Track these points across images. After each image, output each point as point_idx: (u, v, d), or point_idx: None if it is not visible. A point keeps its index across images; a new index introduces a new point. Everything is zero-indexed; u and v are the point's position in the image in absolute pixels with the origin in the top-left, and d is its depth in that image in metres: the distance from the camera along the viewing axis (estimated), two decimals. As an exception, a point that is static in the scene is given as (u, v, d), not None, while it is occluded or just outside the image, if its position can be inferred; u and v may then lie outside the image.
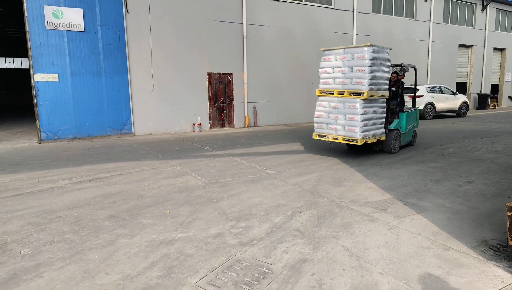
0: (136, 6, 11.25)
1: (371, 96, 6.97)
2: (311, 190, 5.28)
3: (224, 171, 6.49)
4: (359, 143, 6.93)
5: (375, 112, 7.22)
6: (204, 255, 3.23)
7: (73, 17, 10.28)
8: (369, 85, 6.83)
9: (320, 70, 7.60)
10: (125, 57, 11.19)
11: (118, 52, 11.09)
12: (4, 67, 36.39)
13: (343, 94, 7.10)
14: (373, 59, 6.84)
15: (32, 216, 4.22)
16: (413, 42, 18.90)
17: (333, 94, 7.29)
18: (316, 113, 7.64)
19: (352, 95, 6.97)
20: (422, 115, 15.54)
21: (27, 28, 9.81)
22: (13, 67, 36.60)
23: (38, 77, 10.03)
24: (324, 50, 7.63)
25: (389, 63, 7.37)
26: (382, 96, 7.33)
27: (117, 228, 3.85)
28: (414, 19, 18.95)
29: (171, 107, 12.14)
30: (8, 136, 11.73)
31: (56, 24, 10.10)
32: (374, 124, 7.27)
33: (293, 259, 3.15)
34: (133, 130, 11.56)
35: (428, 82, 19.59)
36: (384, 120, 7.55)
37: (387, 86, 7.43)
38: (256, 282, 2.78)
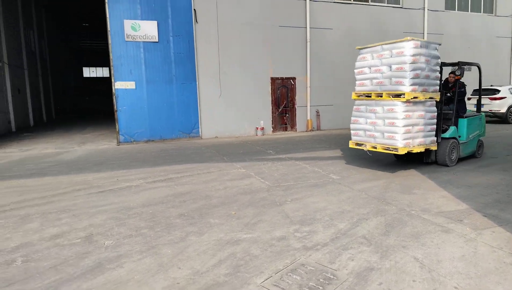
0: (205, 16, 11.85)
1: (415, 98, 6.07)
2: (378, 197, 5.08)
3: (287, 175, 6.53)
4: (400, 152, 6.02)
5: (421, 116, 6.26)
6: (268, 257, 3.29)
7: (149, 29, 11.16)
8: (411, 85, 5.97)
9: (355, 70, 6.88)
10: (193, 65, 11.84)
11: (188, 60, 11.77)
12: (88, 76, 40.61)
13: (382, 97, 6.26)
14: (416, 55, 5.95)
15: (113, 211, 4.67)
16: (493, 39, 17.20)
17: (370, 97, 6.50)
18: (352, 118, 6.90)
19: (392, 97, 6.10)
20: (505, 119, 14.07)
21: (109, 41, 10.88)
22: (95, 76, 40.68)
23: (118, 85, 11.06)
24: (360, 49, 6.90)
25: (438, 61, 6.45)
26: (430, 98, 6.39)
27: (187, 226, 4.09)
28: (494, 14, 17.25)
29: (235, 112, 12.54)
30: (92, 138, 13.08)
31: (134, 36, 11.05)
32: (421, 130, 6.29)
33: (359, 267, 3.07)
34: (200, 134, 12.16)
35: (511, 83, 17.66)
36: (434, 126, 6.57)
37: (437, 87, 6.50)
38: (320, 287, 2.77)
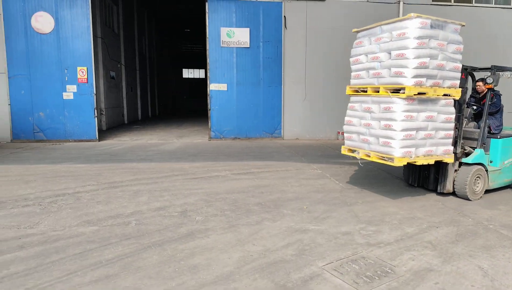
0: (294, 21, 12.40)
1: (422, 94, 4.71)
2: (455, 208, 4.99)
3: (362, 179, 6.68)
4: (396, 163, 4.75)
5: (430, 118, 4.85)
6: (332, 247, 3.65)
7: (242, 36, 12.14)
8: (414, 77, 4.62)
9: (351, 59, 5.62)
10: (280, 69, 12.50)
11: (275, 64, 12.48)
12: (187, 76, 44.55)
13: (379, 92, 4.99)
14: (423, 38, 4.60)
15: (203, 194, 5.48)
16: None
17: (366, 92, 5.25)
18: (346, 118, 5.66)
19: (389, 93, 4.81)
20: None
21: (207, 46, 12.15)
22: (193, 77, 44.46)
23: (212, 86, 12.28)
24: (356, 32, 5.64)
25: (460, 46, 4.96)
26: (446, 95, 4.93)
27: (263, 213, 4.66)
28: None
29: (317, 115, 12.84)
30: (188, 133, 14.68)
31: (228, 42, 12.15)
32: (429, 136, 4.89)
33: (418, 267, 3.24)
34: (282, 134, 12.77)
35: None
36: (451, 132, 5.08)
37: (456, 81, 5.01)
38: (376, 278, 3.05)
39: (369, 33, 5.34)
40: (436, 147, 5.01)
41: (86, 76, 11.29)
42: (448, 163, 5.31)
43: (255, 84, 12.49)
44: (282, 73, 12.54)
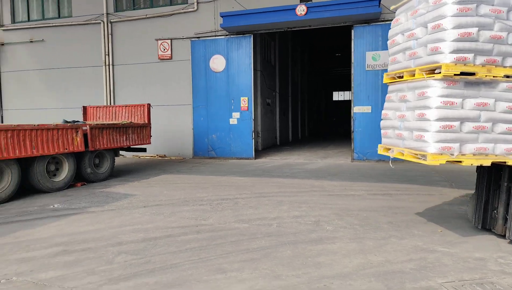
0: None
1: (469, 74, 3.84)
2: None
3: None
4: (429, 161, 3.90)
5: (484, 106, 3.89)
6: (458, 268, 3.65)
7: (388, 58, 12.14)
8: (454, 52, 3.80)
9: (388, 42, 5.02)
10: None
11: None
12: (336, 99, 45.33)
13: (414, 76, 4.23)
14: (466, 2, 3.76)
15: (337, 209, 6.01)
16: None
17: (402, 78, 4.50)
18: (382, 112, 5.08)
19: (425, 75, 4.02)
20: None
21: (352, 71, 12.66)
22: (342, 99, 44.90)
23: (356, 109, 12.64)
24: (395, 9, 4.90)
25: None
26: (507, 76, 3.90)
27: (391, 231, 4.87)
28: None
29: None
30: (332, 154, 15.30)
31: (373, 65, 12.36)
32: (482, 130, 3.90)
33: (560, 302, 2.98)
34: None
35: None
36: None
37: None
38: (501, 303, 2.99)
39: (406, 7, 4.65)
40: (494, 145, 3.95)
41: (247, 105, 13.45)
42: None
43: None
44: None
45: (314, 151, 16.90)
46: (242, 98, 13.51)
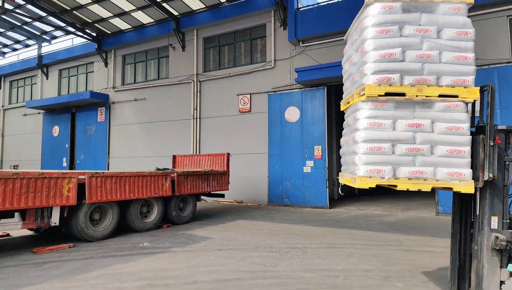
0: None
1: (399, 94, 3.80)
2: None
3: None
4: (357, 184, 3.81)
5: (418, 127, 3.77)
6: None
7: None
8: (376, 73, 3.82)
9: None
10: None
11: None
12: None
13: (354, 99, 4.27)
14: (386, 24, 3.86)
15: (410, 266, 5.72)
16: None
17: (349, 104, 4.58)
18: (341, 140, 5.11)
19: (357, 98, 4.06)
20: None
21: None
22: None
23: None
24: (345, 39, 5.04)
25: (465, 30, 3.82)
26: (446, 96, 3.78)
27: None
28: None
29: None
30: (415, 206, 14.32)
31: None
32: (416, 152, 3.74)
33: None
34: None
35: None
36: (464, 149, 3.69)
37: (465, 78, 3.79)
38: None
39: (349, 34, 4.80)
40: (434, 168, 3.72)
41: (320, 153, 13.67)
42: (484, 265, 3.68)
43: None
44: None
45: (395, 201, 16.01)
46: (316, 147, 13.80)
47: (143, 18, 17.26)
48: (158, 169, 9.95)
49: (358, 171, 3.87)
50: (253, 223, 10.03)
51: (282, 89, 14.60)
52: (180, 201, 10.13)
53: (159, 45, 17.81)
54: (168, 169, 10.60)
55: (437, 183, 3.73)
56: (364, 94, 3.87)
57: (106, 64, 19.41)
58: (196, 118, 16.47)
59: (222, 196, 12.01)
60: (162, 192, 9.05)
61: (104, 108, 19.38)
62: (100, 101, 19.04)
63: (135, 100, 18.37)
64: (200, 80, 16.49)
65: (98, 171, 7.71)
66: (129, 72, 19.16)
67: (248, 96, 15.27)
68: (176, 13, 16.50)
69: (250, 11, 15.13)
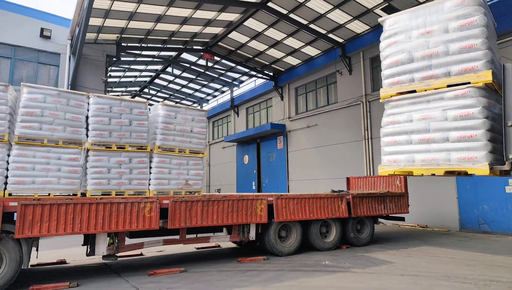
0: None
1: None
2: None
3: None
4: (380, 172, 5.48)
5: (428, 118, 4.55)
6: None
7: None
8: (387, 78, 5.22)
9: None
10: None
11: None
12: None
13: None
14: (396, 34, 5.02)
15: None
16: None
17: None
18: None
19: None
20: None
21: None
22: None
23: None
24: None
25: (475, 20, 4.32)
26: (452, 85, 4.47)
27: None
28: None
29: None
30: None
31: None
32: (432, 140, 4.56)
33: None
34: None
35: None
36: (475, 132, 4.23)
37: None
38: None
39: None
40: (447, 153, 4.38)
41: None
42: None
43: None
44: None
45: None
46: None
47: (311, 51, 18.70)
48: (334, 191, 10.41)
49: (382, 162, 4.91)
50: (442, 250, 9.08)
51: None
52: (357, 223, 10.21)
53: (327, 73, 18.80)
54: (342, 191, 10.93)
55: (449, 167, 4.22)
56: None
57: (282, 98, 21.80)
58: (368, 139, 16.30)
59: (402, 219, 11.36)
60: (338, 213, 9.41)
61: (282, 137, 21.63)
62: (279, 130, 21.37)
63: (308, 126, 19.75)
64: (369, 100, 16.37)
65: (282, 193, 8.80)
66: (301, 102, 20.87)
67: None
68: (341, 40, 17.16)
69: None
